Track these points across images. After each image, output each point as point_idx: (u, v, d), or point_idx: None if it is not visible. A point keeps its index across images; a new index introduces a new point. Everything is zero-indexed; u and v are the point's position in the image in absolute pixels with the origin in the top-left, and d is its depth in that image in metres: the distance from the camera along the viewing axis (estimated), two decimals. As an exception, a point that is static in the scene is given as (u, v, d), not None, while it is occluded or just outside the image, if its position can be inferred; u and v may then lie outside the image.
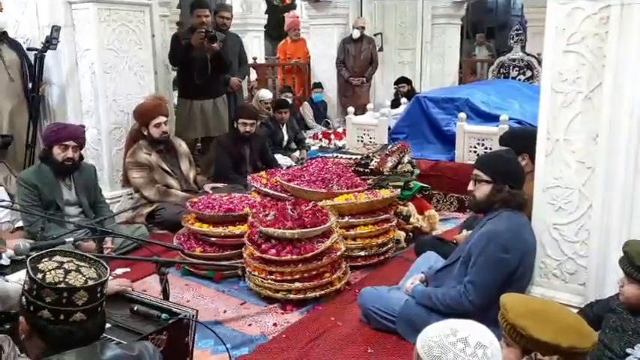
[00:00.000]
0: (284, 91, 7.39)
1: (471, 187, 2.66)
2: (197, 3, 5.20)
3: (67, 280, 1.38)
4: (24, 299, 1.41)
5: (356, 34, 7.59)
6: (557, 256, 2.56)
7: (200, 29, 4.90)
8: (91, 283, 1.41)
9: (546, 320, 1.60)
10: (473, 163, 2.78)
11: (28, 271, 1.40)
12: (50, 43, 4.13)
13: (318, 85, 7.88)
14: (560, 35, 2.38)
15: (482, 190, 2.58)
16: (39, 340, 1.40)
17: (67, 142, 3.53)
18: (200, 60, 5.03)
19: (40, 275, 1.38)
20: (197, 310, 2.14)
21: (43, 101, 4.45)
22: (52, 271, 1.39)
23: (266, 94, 6.65)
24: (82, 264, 1.45)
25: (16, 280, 1.92)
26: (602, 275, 2.38)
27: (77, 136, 3.60)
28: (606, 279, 2.36)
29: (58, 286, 1.37)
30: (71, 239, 2.56)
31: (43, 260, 1.43)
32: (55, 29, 4.13)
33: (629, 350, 1.88)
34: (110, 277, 1.56)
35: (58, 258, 1.45)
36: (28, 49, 4.34)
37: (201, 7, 5.13)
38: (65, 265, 1.41)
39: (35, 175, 3.55)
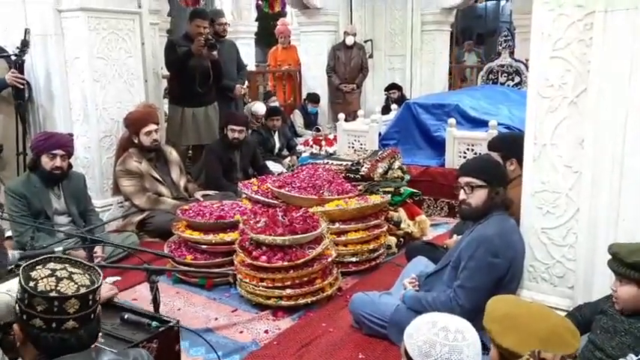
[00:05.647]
0: (267, 96, 7.35)
1: (462, 196, 2.58)
2: (199, 14, 5.27)
3: (58, 288, 1.38)
4: (17, 307, 1.41)
5: (350, 40, 7.60)
6: (546, 259, 2.58)
7: (199, 37, 4.93)
8: (83, 290, 1.40)
9: (513, 327, 1.57)
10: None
11: (20, 280, 1.39)
12: (26, 46, 4.12)
13: (315, 99, 7.64)
14: (546, 41, 2.41)
15: (478, 197, 2.54)
16: (32, 347, 1.40)
17: (55, 151, 3.52)
18: (201, 68, 5.07)
19: (32, 284, 1.38)
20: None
21: (32, 108, 4.43)
22: (44, 279, 1.38)
23: (259, 108, 6.36)
24: (76, 270, 1.45)
25: (5, 291, 1.90)
26: (590, 278, 2.39)
27: (65, 144, 3.59)
28: (594, 282, 2.37)
29: (49, 294, 1.36)
30: (61, 248, 2.55)
31: (36, 268, 1.43)
32: (27, 32, 4.12)
33: None
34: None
35: (51, 265, 1.44)
36: (9, 55, 4.29)
37: (203, 19, 5.18)
38: (58, 273, 1.41)
39: (23, 185, 3.53)
